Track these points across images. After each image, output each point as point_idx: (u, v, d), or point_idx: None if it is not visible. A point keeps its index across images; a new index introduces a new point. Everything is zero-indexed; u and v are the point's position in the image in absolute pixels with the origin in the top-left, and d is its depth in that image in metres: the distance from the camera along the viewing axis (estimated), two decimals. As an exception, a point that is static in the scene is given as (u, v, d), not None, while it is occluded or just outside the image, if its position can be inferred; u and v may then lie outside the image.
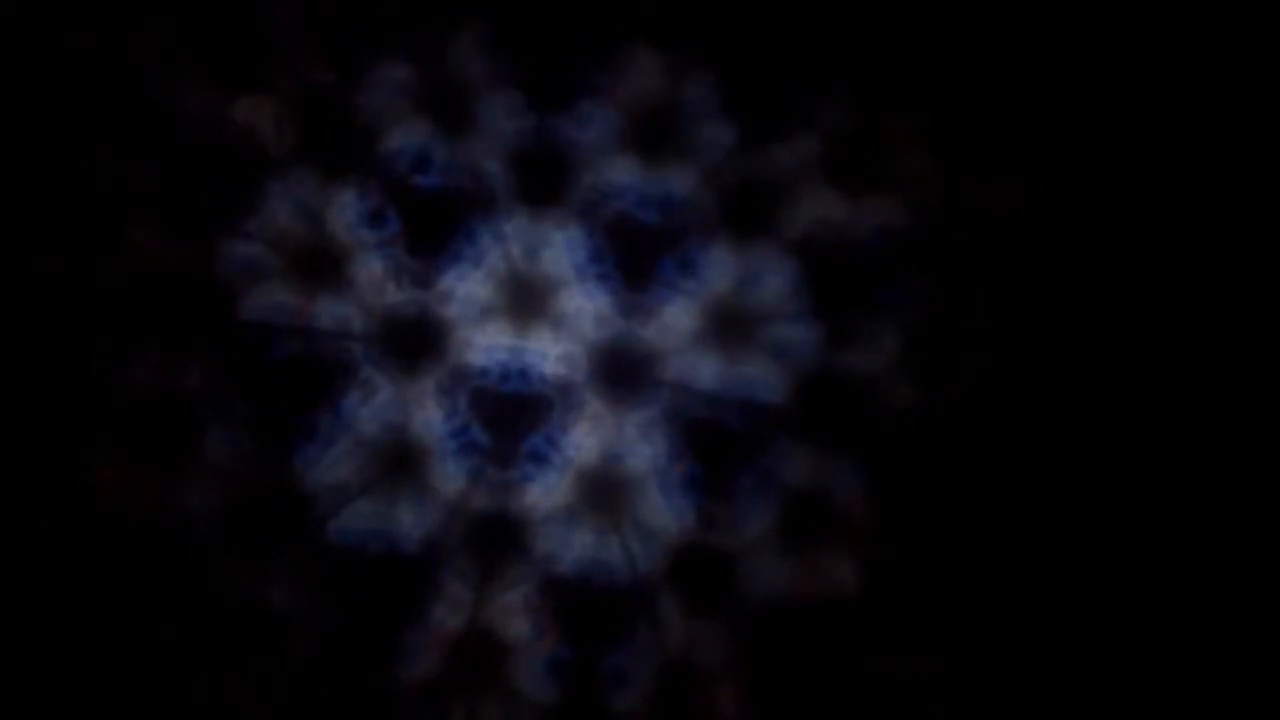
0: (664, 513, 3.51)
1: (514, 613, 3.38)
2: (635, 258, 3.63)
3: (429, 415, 3.52)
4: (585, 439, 3.55)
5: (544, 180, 3.59)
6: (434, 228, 3.58)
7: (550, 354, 3.58)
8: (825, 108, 3.52)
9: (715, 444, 3.58)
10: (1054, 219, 3.51)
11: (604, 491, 3.53)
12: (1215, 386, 3.41)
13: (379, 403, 3.49)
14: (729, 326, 3.62)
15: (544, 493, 3.52)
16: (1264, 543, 3.29)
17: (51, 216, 3.09)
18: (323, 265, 3.49)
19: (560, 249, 3.60)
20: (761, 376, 3.59)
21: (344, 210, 3.50)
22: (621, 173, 3.60)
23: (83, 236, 3.09)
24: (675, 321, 3.62)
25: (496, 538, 3.47)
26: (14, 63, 2.91)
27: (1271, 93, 3.44)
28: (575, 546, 3.48)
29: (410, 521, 3.44)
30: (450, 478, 3.49)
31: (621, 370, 3.61)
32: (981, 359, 3.51)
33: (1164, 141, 3.49)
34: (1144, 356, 3.45)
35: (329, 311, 3.49)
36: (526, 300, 3.60)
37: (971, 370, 3.51)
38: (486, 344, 3.57)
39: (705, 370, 3.61)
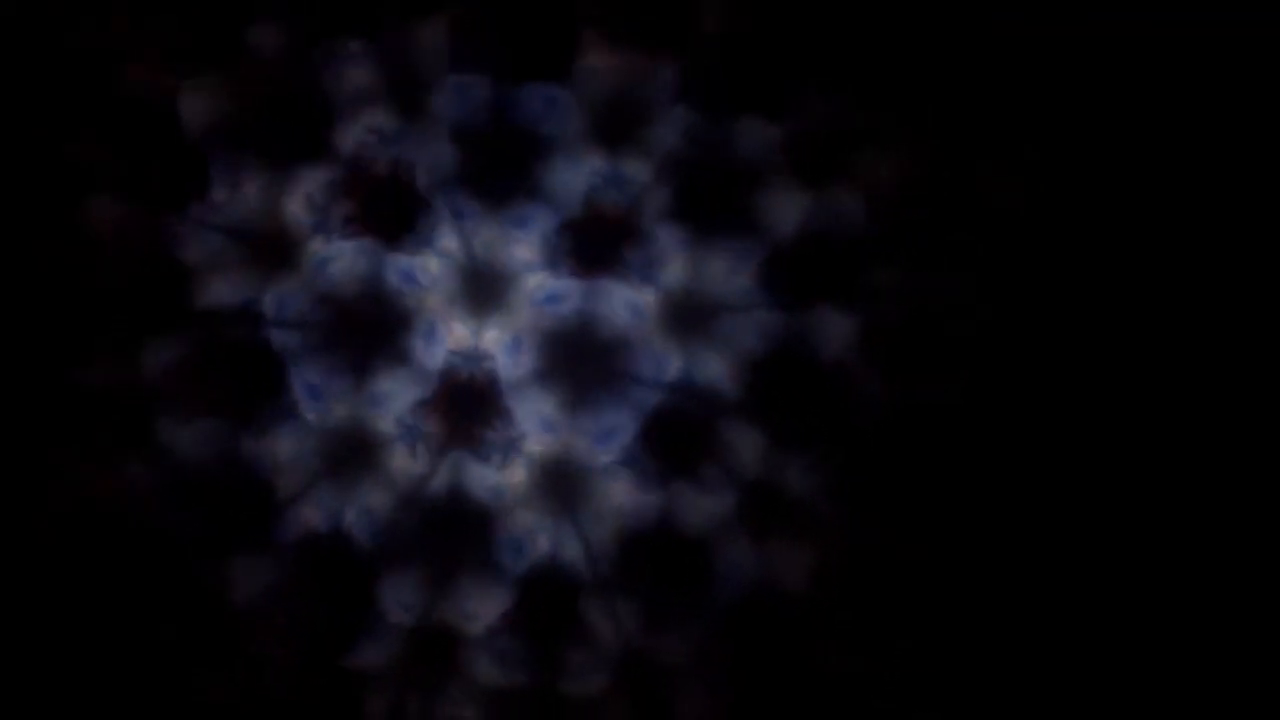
0: (621, 501, 3.54)
1: (471, 600, 3.43)
2: (595, 246, 3.52)
3: (386, 401, 3.46)
4: (542, 426, 3.54)
5: (504, 169, 3.42)
6: (391, 214, 3.42)
7: (507, 341, 3.51)
8: (812, 102, 3.37)
9: (673, 433, 3.58)
10: (1052, 212, 3.45)
11: (561, 480, 3.55)
12: (1209, 385, 3.43)
13: (336, 389, 3.42)
14: (689, 316, 3.56)
15: (501, 480, 3.52)
16: (1257, 538, 3.37)
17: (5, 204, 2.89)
18: (278, 252, 3.33)
19: (519, 237, 3.48)
20: (720, 366, 3.56)
21: (300, 196, 3.31)
22: (583, 162, 3.44)
23: (37, 225, 2.90)
24: (635, 310, 3.55)
25: (453, 524, 3.49)
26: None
27: (1270, 92, 3.38)
28: (532, 533, 3.52)
29: (366, 508, 3.43)
30: (407, 464, 3.47)
31: (579, 358, 3.56)
32: (946, 350, 3.52)
33: (1161, 139, 3.43)
34: (1125, 347, 3.46)
35: (284, 297, 3.36)
36: (484, 288, 3.50)
37: (935, 361, 3.52)
38: (444, 331, 3.49)
39: (665, 360, 3.57)
